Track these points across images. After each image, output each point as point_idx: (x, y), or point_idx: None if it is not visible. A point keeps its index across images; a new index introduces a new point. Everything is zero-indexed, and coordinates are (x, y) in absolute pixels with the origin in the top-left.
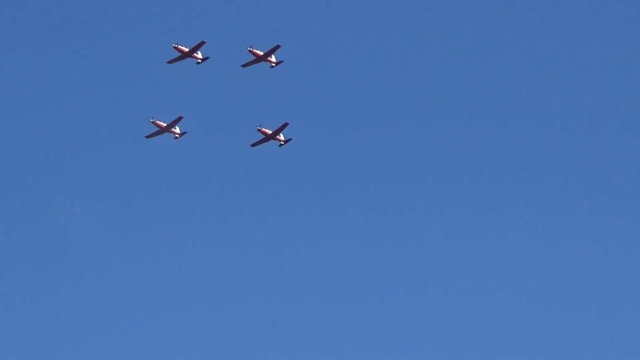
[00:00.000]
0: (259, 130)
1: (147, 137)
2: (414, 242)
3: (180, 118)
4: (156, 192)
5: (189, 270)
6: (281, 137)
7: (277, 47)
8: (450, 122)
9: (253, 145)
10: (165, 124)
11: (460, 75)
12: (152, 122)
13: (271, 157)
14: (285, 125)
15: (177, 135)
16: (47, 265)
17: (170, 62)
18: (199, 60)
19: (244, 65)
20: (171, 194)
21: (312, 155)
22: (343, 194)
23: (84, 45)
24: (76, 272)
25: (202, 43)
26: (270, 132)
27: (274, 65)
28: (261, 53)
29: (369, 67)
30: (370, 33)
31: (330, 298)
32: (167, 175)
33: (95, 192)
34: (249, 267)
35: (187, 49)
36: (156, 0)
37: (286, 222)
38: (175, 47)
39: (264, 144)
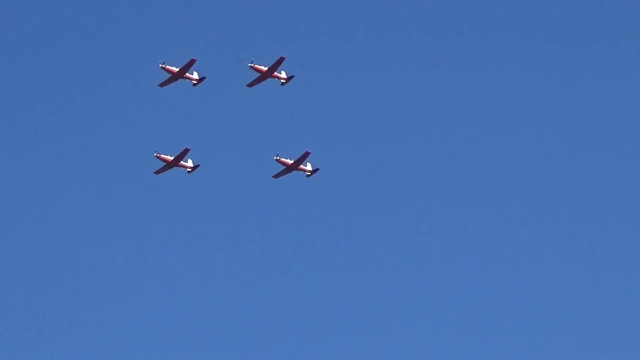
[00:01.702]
0: (277, 160)
1: (156, 173)
2: (417, 248)
3: (187, 150)
4: (176, 234)
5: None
6: (307, 167)
7: (282, 59)
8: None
9: (276, 176)
10: (171, 158)
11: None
12: (157, 157)
13: (297, 189)
14: (307, 154)
15: (189, 169)
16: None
17: (162, 85)
18: (194, 82)
19: (250, 85)
20: (191, 234)
21: (342, 184)
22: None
23: (64, 75)
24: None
25: (193, 61)
26: (290, 161)
27: (284, 82)
28: (265, 68)
29: (394, 73)
30: (388, 36)
31: (333, 303)
32: (185, 214)
33: (109, 234)
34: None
35: (176, 69)
36: (134, 17)
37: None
38: (163, 68)
39: (287, 175)
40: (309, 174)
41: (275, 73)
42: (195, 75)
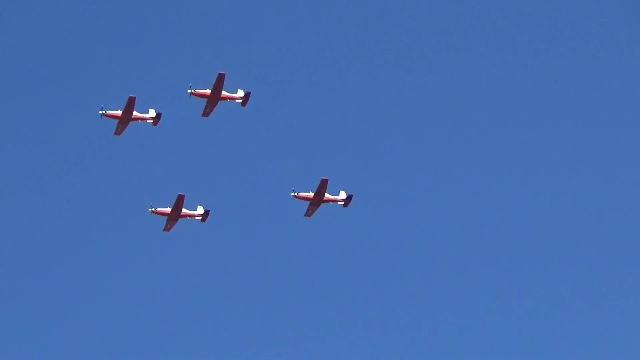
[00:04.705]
0: (295, 196)
1: (165, 230)
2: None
3: (181, 197)
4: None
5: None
6: (341, 195)
7: (222, 76)
8: None
9: (307, 214)
10: (169, 210)
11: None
12: (153, 212)
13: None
14: (325, 181)
15: (197, 217)
16: None
17: (116, 133)
18: (150, 121)
19: (204, 115)
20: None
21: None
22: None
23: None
24: None
25: (132, 99)
26: (311, 194)
27: (242, 101)
28: (208, 91)
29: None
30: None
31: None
32: (220, 271)
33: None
34: None
35: (120, 112)
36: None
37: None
38: (103, 114)
39: (318, 210)
40: (343, 203)
41: (226, 93)
42: (151, 114)
